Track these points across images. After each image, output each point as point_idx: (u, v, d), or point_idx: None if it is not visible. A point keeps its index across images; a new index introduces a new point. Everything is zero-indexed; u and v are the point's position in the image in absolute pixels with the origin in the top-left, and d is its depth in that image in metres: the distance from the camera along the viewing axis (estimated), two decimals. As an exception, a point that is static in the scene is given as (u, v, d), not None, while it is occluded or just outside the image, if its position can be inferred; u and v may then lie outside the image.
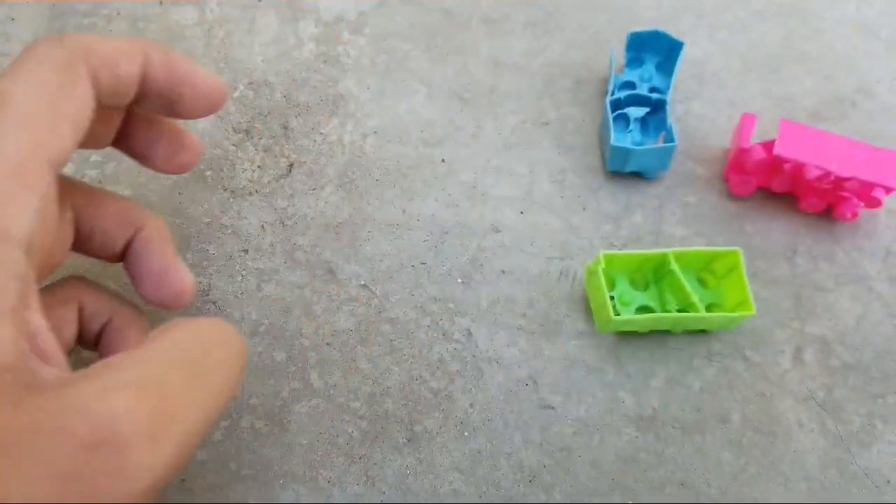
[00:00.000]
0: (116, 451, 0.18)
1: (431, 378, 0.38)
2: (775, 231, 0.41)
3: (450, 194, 0.42)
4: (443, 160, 0.43)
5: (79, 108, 0.25)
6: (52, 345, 0.22)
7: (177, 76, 0.30)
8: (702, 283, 0.38)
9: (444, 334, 0.39)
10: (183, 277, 0.32)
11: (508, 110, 0.44)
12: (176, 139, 0.33)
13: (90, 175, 0.43)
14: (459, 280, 0.40)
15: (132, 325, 0.32)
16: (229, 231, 0.41)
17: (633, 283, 0.38)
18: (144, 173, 0.43)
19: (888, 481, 0.35)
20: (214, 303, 0.39)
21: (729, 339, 0.38)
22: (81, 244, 0.32)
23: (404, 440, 0.36)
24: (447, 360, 0.38)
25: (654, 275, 0.38)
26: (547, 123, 0.44)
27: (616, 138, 0.41)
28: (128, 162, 0.43)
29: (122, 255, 0.33)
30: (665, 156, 0.40)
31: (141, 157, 0.34)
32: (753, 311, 0.36)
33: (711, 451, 0.36)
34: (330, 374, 0.38)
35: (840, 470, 0.35)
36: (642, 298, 0.38)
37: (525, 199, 0.42)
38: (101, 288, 0.33)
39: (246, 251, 0.41)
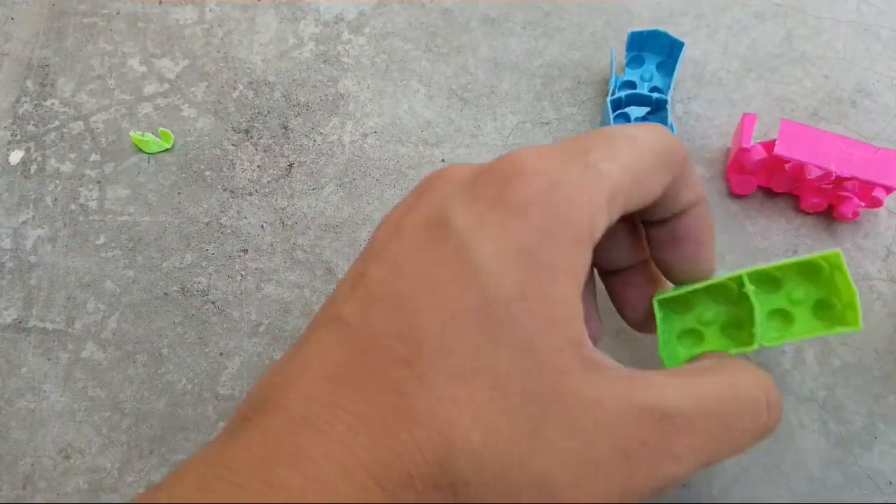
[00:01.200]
0: (670, 432, 0.22)
1: (431, 378, 0.38)
2: (776, 231, 0.41)
3: (450, 194, 0.42)
4: (443, 160, 0.43)
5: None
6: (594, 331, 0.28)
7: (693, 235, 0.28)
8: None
9: (443, 334, 0.39)
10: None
11: (508, 110, 0.44)
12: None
13: (89, 175, 0.42)
14: (459, 280, 0.40)
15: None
16: (229, 231, 0.41)
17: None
18: (144, 173, 0.43)
19: (890, 482, 0.35)
20: (214, 303, 0.39)
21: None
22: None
23: (404, 440, 0.36)
24: (447, 360, 0.38)
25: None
26: (547, 123, 0.44)
27: (616, 138, 0.40)
28: (127, 162, 0.43)
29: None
30: (665, 155, 0.40)
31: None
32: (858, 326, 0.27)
33: (712, 452, 0.36)
34: (329, 375, 0.38)
35: (842, 471, 0.35)
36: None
37: (525, 198, 0.42)
38: None
39: (245, 251, 0.41)
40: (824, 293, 0.29)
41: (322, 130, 0.44)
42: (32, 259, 0.40)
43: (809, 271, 0.29)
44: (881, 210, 0.41)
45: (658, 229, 0.29)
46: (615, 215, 0.24)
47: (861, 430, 0.36)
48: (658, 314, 0.31)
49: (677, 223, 0.28)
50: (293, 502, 0.19)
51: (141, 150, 0.43)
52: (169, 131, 0.43)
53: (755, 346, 0.28)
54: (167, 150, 0.43)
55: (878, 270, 0.40)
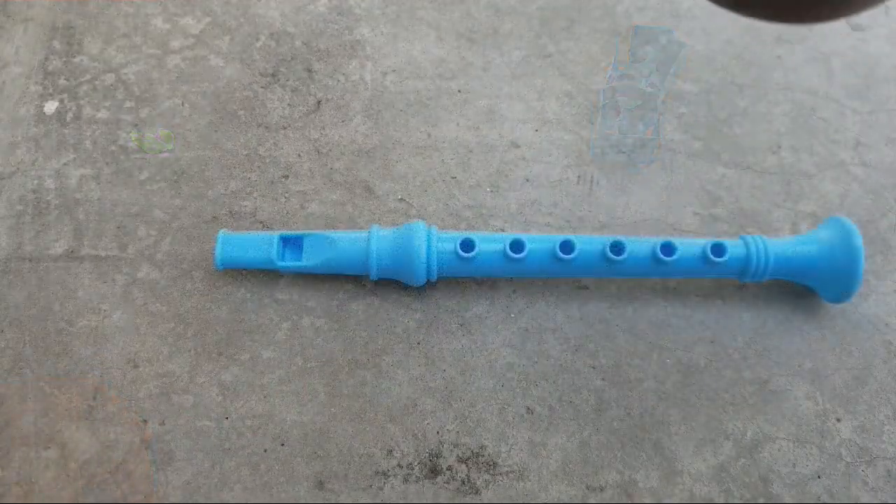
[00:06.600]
0: None
1: (473, 274, 0.41)
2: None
3: (469, 119, 0.46)
4: (459, 91, 0.47)
5: None
6: None
7: None
8: None
9: (479, 237, 0.42)
10: None
11: (513, 46, 0.48)
12: None
13: (125, 119, 0.44)
14: (488, 189, 0.43)
15: None
16: (268, 161, 0.44)
17: None
18: (179, 115, 0.45)
19: (887, 324, 0.40)
20: (262, 222, 0.42)
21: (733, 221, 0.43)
22: None
23: (457, 325, 0.39)
24: (485, 258, 0.41)
25: None
26: (549, 56, 0.48)
27: None
28: (162, 106, 0.45)
29: None
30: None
31: None
32: None
33: (733, 313, 0.40)
34: (379, 277, 0.40)
35: (845, 318, 0.40)
36: None
37: (538, 118, 0.46)
38: None
39: (286, 177, 0.43)
40: None
41: (344, 71, 0.47)
42: (78, 196, 0.42)
43: None
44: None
45: None
46: None
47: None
48: None
49: None
50: None
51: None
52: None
53: None
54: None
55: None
